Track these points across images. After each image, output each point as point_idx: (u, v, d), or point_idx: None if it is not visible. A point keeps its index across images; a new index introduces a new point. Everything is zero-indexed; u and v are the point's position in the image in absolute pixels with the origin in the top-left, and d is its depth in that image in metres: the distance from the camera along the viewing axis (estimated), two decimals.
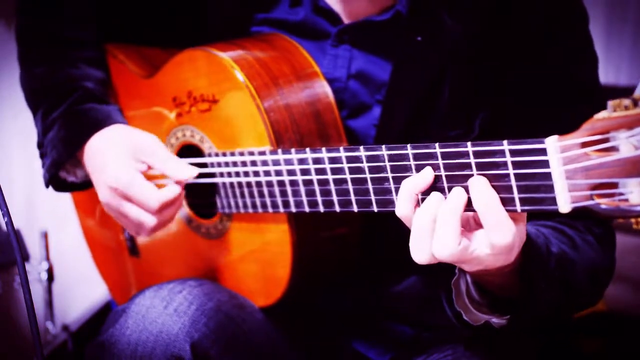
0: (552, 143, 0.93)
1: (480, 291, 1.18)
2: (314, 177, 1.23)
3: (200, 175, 1.42)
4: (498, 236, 0.99)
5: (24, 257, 1.88)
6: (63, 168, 1.53)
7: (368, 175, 1.15)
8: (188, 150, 1.48)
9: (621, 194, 0.88)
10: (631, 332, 2.30)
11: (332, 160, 1.20)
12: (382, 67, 1.39)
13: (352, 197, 1.19)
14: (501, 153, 0.98)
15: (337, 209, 1.22)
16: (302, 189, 1.26)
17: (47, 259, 2.36)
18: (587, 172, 0.90)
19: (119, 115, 1.53)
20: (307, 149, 1.23)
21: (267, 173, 1.31)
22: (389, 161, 1.11)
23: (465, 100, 1.34)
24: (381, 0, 1.37)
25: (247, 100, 1.35)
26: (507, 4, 1.32)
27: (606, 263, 1.33)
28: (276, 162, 1.29)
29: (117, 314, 1.36)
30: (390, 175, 1.11)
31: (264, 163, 1.31)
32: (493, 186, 1.00)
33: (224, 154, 1.39)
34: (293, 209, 1.30)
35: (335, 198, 1.22)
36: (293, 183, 1.27)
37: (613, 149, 0.88)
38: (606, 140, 0.88)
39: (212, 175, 1.42)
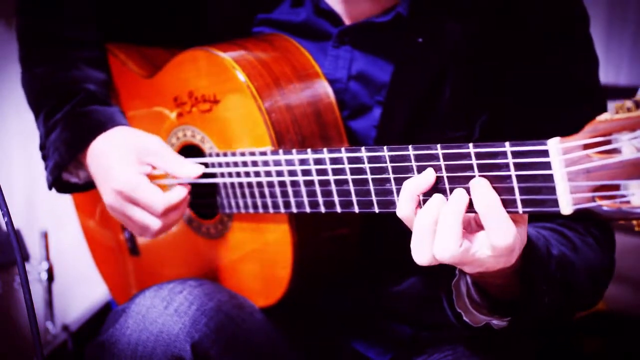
0: (554, 145, 0.93)
1: (481, 293, 1.18)
2: (315, 177, 1.23)
3: (201, 176, 1.42)
4: (499, 238, 0.99)
5: (24, 257, 1.88)
6: (66, 170, 1.53)
7: (369, 176, 1.14)
8: (189, 151, 1.48)
9: (623, 195, 0.88)
10: (631, 332, 2.30)
11: (334, 160, 1.20)
12: (383, 69, 1.39)
13: (354, 198, 1.19)
14: (503, 154, 0.98)
15: (339, 209, 1.22)
16: (303, 189, 1.26)
17: (47, 259, 2.35)
18: (589, 174, 0.90)
19: (122, 117, 1.53)
20: (309, 150, 1.23)
21: (268, 173, 1.31)
22: (391, 162, 1.11)
23: (466, 102, 1.34)
24: (382, 1, 1.37)
25: (248, 100, 1.35)
26: (507, 4, 1.32)
27: (606, 264, 1.33)
28: (277, 163, 1.29)
29: (117, 314, 1.36)
30: (391, 176, 1.11)
31: (265, 163, 1.31)
32: (495, 187, 0.99)
33: (225, 154, 1.39)
34: (294, 210, 1.30)
35: (336, 199, 1.22)
36: (294, 183, 1.27)
37: (615, 151, 0.88)
38: (608, 142, 0.88)
39: (213, 175, 1.42)
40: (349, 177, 1.18)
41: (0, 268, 2.25)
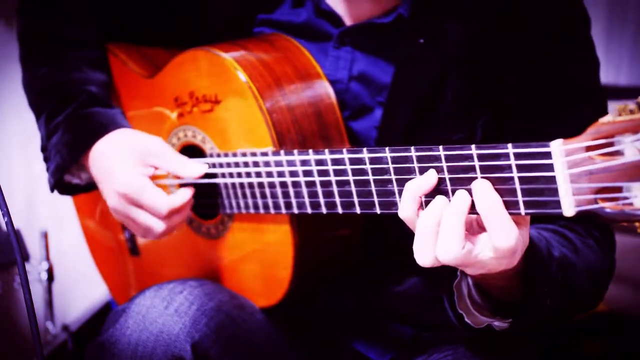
0: (556, 147, 0.93)
1: (482, 294, 1.18)
2: (317, 178, 1.23)
3: (203, 176, 1.42)
4: (501, 239, 0.99)
5: (24, 257, 1.88)
6: (68, 171, 1.53)
7: (371, 177, 1.14)
8: (189, 151, 1.48)
9: (626, 197, 0.88)
10: (631, 332, 2.30)
11: (335, 161, 1.19)
12: (384, 69, 1.39)
13: (355, 199, 1.18)
14: (505, 156, 0.98)
15: (340, 210, 1.22)
16: (304, 190, 1.26)
17: (47, 259, 2.35)
18: (592, 175, 0.91)
19: (123, 119, 1.53)
20: (310, 150, 1.23)
21: (269, 174, 1.31)
22: (392, 163, 1.10)
23: (467, 102, 1.34)
24: (383, 2, 1.37)
25: (250, 101, 1.35)
26: (507, 4, 1.32)
27: (606, 265, 1.33)
28: (278, 163, 1.29)
29: (117, 314, 1.36)
30: (393, 177, 1.11)
31: (266, 164, 1.31)
32: (497, 189, 0.99)
33: (226, 155, 1.38)
34: (295, 210, 1.29)
35: (337, 200, 1.21)
36: (295, 184, 1.27)
37: (618, 153, 0.88)
38: (611, 144, 0.89)
39: (214, 175, 1.42)
40: (350, 178, 1.18)
41: (0, 268, 2.25)
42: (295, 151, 1.26)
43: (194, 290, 1.36)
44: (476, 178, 1.01)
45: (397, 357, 1.49)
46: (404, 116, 1.36)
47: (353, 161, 1.17)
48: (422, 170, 1.06)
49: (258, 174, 1.33)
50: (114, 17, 1.65)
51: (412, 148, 1.07)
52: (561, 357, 1.64)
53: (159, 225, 1.41)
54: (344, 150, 1.17)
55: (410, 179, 1.07)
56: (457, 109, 1.34)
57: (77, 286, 2.60)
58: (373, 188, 1.15)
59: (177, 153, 1.45)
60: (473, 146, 1.01)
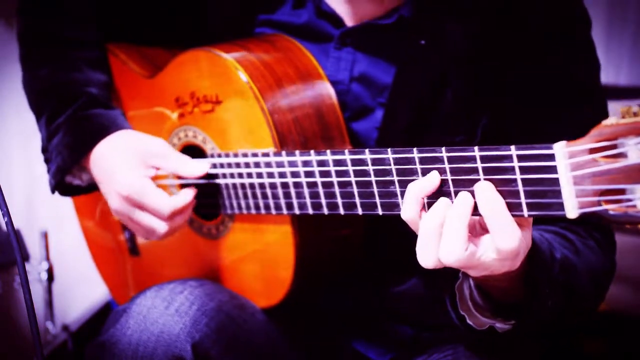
0: (560, 149, 0.93)
1: (484, 296, 1.18)
2: (319, 179, 1.23)
3: (204, 175, 1.42)
4: (504, 241, 0.99)
5: (24, 257, 1.88)
6: (69, 173, 1.53)
7: (373, 178, 1.14)
8: (190, 151, 1.48)
9: (629, 200, 0.88)
10: (632, 332, 2.30)
11: (337, 162, 1.19)
12: (385, 70, 1.39)
13: (357, 200, 1.18)
14: (508, 158, 0.98)
15: (342, 211, 1.22)
16: (306, 191, 1.26)
17: (47, 259, 2.35)
18: (595, 178, 0.90)
19: (124, 120, 1.53)
20: (312, 151, 1.23)
21: (270, 175, 1.31)
22: (395, 164, 1.10)
23: (468, 103, 1.34)
24: (385, 3, 1.37)
25: (251, 101, 1.35)
26: (507, 4, 1.32)
27: (607, 267, 1.34)
28: (280, 164, 1.29)
29: (117, 314, 1.36)
30: (395, 178, 1.11)
31: (268, 165, 1.31)
32: (500, 191, 0.99)
33: (227, 155, 1.38)
34: (296, 211, 1.29)
35: (339, 201, 1.21)
36: (297, 185, 1.27)
37: (621, 155, 0.88)
38: (614, 146, 0.88)
39: (215, 176, 1.42)
40: (352, 179, 1.18)
41: (0, 268, 2.24)
42: (297, 152, 1.25)
43: (195, 291, 1.36)
44: (479, 180, 1.01)
45: (397, 357, 1.49)
46: (405, 117, 1.36)
47: (355, 162, 1.16)
48: (425, 172, 1.06)
49: (259, 175, 1.33)
50: (114, 17, 1.65)
51: (415, 149, 1.07)
52: (561, 357, 1.64)
53: (161, 227, 1.41)
54: (346, 151, 1.17)
55: (413, 180, 1.07)
56: (458, 109, 1.34)
57: (77, 286, 2.60)
58: (375, 189, 1.15)
59: (178, 153, 1.45)
60: (476, 148, 1.01)
